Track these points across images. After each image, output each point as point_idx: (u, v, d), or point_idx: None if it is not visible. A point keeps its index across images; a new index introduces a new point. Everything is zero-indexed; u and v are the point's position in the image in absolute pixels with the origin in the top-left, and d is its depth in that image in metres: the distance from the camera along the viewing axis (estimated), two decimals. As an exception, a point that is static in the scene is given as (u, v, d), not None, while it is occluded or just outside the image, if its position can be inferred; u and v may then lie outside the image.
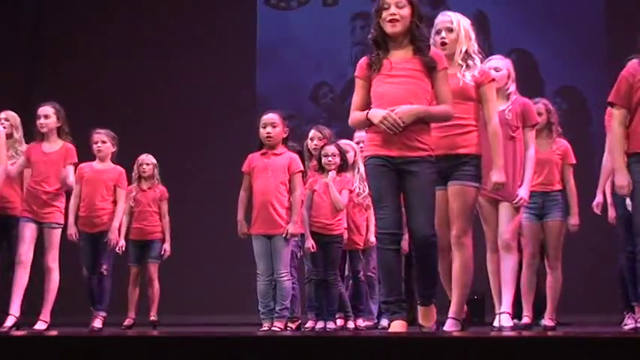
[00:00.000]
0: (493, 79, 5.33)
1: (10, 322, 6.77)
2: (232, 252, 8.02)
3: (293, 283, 6.78)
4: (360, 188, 7.24)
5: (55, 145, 7.10)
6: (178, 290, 9.55)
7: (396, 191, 4.62)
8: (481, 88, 5.20)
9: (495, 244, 5.77)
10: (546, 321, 6.70)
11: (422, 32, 4.72)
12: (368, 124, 4.69)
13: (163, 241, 8.24)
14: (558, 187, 6.74)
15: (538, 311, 6.86)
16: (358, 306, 7.38)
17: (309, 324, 7.15)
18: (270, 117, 6.49)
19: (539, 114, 6.54)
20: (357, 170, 7.32)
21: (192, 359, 3.38)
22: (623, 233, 6.25)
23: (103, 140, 7.56)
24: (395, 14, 4.63)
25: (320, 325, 7.09)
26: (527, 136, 5.87)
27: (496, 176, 5.25)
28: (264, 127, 6.46)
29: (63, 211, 7.09)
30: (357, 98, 4.77)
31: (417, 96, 4.60)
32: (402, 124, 4.50)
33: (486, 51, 10.29)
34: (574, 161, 6.83)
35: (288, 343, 3.48)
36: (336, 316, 7.23)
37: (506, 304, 5.82)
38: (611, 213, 6.66)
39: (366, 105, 4.72)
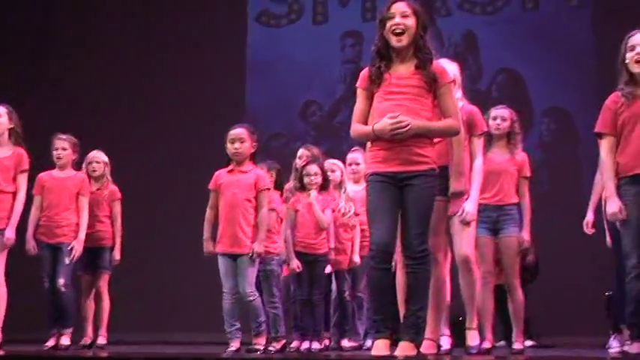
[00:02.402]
0: (453, 81, 5.03)
1: None
2: (196, 267, 7.85)
3: (275, 303, 6.75)
4: (345, 208, 7.22)
5: (6, 150, 6.67)
6: (133, 305, 9.43)
7: (393, 209, 4.56)
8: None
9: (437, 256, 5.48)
10: (515, 344, 6.29)
11: (426, 44, 4.66)
12: (373, 138, 4.62)
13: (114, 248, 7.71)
14: (514, 200, 6.37)
15: (508, 332, 6.59)
16: (344, 326, 7.35)
17: (295, 344, 7.10)
18: (238, 132, 6.32)
19: (504, 119, 6.35)
20: (343, 190, 7.30)
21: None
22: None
23: (63, 147, 7.32)
24: (400, 24, 4.58)
25: (305, 345, 7.05)
26: (475, 146, 5.59)
27: (457, 184, 5.06)
28: (232, 143, 6.29)
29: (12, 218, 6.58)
30: (358, 109, 4.72)
31: (417, 114, 4.56)
32: (407, 129, 4.45)
33: (475, 71, 10.44)
34: (530, 174, 6.51)
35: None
36: (322, 336, 7.19)
37: (472, 321, 5.71)
38: (609, 239, 6.41)
39: (367, 116, 4.67)
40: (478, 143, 5.62)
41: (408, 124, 4.47)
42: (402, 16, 4.60)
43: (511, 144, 6.45)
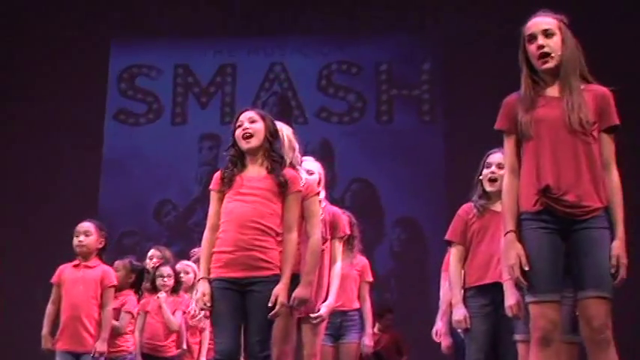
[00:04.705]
0: (318, 193, 5.15)
1: None
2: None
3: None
4: (196, 310, 7.14)
5: None
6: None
7: (236, 315, 4.53)
8: (305, 202, 4.94)
9: None
10: None
11: (276, 149, 4.74)
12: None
13: None
14: (356, 305, 6.46)
15: None
16: None
17: None
18: (84, 225, 6.29)
19: None
20: (195, 292, 7.22)
21: None
22: None
23: None
24: (248, 129, 4.66)
25: None
26: (336, 249, 5.50)
27: (301, 291, 4.81)
28: (77, 236, 6.24)
29: None
30: (211, 212, 4.71)
31: (264, 217, 4.57)
32: None
33: (330, 179, 10.57)
34: (371, 279, 6.63)
35: None
36: None
37: None
38: (445, 342, 6.50)
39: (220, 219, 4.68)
40: (339, 246, 5.55)
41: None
42: (249, 122, 4.69)
43: (348, 249, 6.52)
